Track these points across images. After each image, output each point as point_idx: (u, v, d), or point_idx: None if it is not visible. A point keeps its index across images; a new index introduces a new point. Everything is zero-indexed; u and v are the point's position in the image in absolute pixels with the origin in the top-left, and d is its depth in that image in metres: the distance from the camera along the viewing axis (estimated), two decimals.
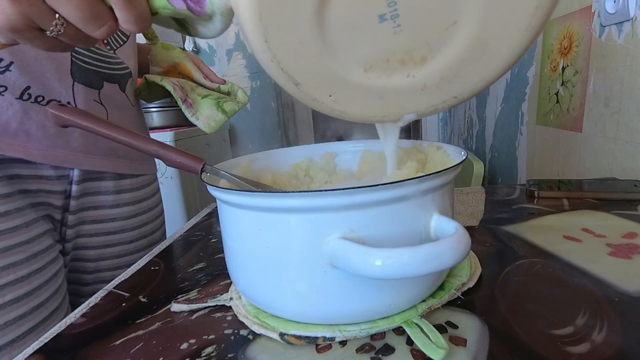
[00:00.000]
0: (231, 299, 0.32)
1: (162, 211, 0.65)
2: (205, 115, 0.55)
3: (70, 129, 0.46)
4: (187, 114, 0.54)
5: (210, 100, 0.56)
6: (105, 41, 0.52)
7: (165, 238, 0.65)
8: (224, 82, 0.62)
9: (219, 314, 0.31)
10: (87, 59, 0.48)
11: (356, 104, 0.25)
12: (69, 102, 0.46)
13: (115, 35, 0.53)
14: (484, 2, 0.20)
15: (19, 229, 0.43)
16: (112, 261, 0.55)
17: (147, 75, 0.56)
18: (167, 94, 0.56)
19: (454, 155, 0.33)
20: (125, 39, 0.55)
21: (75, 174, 0.49)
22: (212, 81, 0.61)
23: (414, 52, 0.22)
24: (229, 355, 0.26)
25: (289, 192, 0.24)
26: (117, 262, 0.56)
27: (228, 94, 0.61)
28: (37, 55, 0.43)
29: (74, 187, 0.50)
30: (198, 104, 0.55)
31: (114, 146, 0.52)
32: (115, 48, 0.53)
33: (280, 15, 0.20)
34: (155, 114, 1.47)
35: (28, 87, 0.43)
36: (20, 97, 0.42)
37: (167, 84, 0.54)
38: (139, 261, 0.43)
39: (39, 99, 0.44)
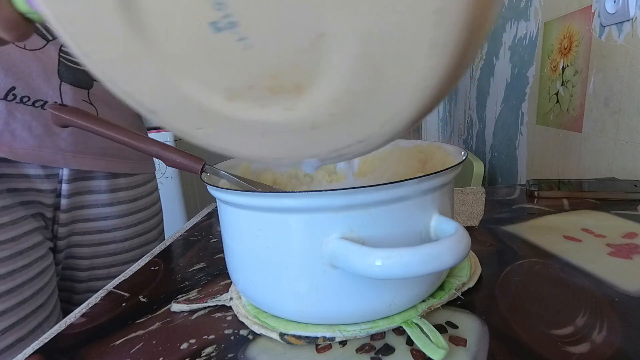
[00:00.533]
0: (231, 299, 0.32)
1: (160, 210, 0.65)
2: None
3: (59, 129, 0.46)
4: None
5: None
6: None
7: (163, 237, 0.65)
8: None
9: (219, 314, 0.31)
10: (75, 59, 0.48)
11: (235, 141, 0.20)
12: (55, 102, 0.46)
13: None
14: (355, 5, 0.14)
15: (5, 227, 0.43)
16: (106, 259, 0.55)
17: None
18: None
19: (454, 155, 0.33)
20: None
21: (65, 173, 0.49)
22: None
23: (282, 78, 0.17)
24: (229, 355, 0.26)
25: (289, 192, 0.24)
26: (112, 260, 0.56)
27: None
28: (22, 56, 0.43)
29: (64, 186, 0.50)
30: None
31: (106, 146, 0.51)
32: None
33: (81, 19, 0.16)
34: None
35: (13, 88, 0.43)
36: (5, 98, 0.43)
37: None
38: (139, 261, 0.43)
39: (25, 99, 0.44)
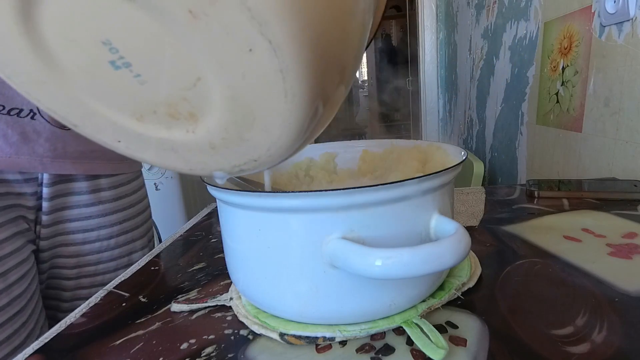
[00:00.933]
0: (231, 299, 0.32)
1: (147, 207, 0.66)
2: None
3: (36, 136, 0.46)
4: None
5: None
6: None
7: (152, 233, 0.66)
8: None
9: (219, 314, 0.31)
10: None
11: (152, 154, 0.23)
12: (31, 110, 0.46)
13: None
14: (217, 60, 0.17)
15: None
16: (93, 256, 0.56)
17: None
18: None
19: (454, 155, 0.33)
20: None
21: (45, 177, 0.50)
22: None
23: (177, 107, 0.20)
24: (229, 355, 0.26)
25: (289, 192, 0.24)
26: (98, 257, 0.56)
27: None
28: None
29: (45, 190, 0.50)
30: None
31: (85, 149, 0.51)
32: None
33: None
34: None
35: None
36: None
37: None
38: (139, 261, 0.43)
39: None
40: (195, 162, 0.23)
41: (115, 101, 0.20)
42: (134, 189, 0.61)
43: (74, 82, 0.19)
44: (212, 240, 0.48)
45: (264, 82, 0.17)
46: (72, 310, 0.33)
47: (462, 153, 0.30)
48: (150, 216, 0.67)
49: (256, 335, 0.27)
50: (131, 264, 0.59)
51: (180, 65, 0.17)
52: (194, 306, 0.32)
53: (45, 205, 0.50)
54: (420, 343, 0.24)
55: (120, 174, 0.58)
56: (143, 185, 0.65)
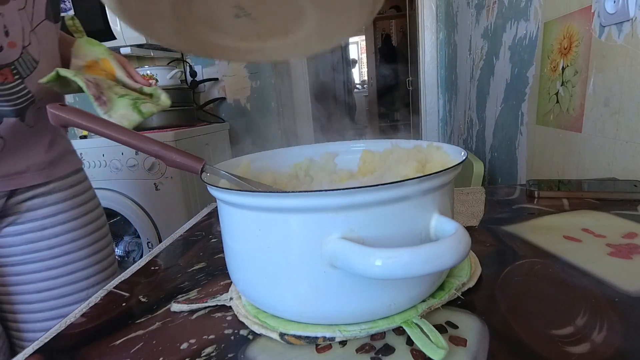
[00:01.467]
0: (231, 299, 0.32)
1: (99, 203, 0.71)
2: (120, 114, 0.54)
3: None
4: (100, 111, 0.53)
5: (127, 100, 0.55)
6: (14, 71, 0.52)
7: (104, 219, 0.71)
8: (149, 84, 0.62)
9: (219, 314, 0.31)
10: None
11: (245, 58, 0.40)
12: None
13: (25, 63, 0.53)
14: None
15: None
16: (52, 250, 0.60)
17: (59, 69, 0.53)
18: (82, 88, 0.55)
19: (454, 155, 0.33)
20: (35, 65, 0.55)
21: None
22: (135, 81, 0.61)
23: (277, 29, 0.31)
24: (229, 355, 0.26)
25: (289, 192, 0.24)
26: (56, 251, 0.60)
27: (150, 96, 0.61)
28: None
29: None
30: (114, 102, 0.54)
31: (14, 165, 0.55)
32: (24, 77, 0.53)
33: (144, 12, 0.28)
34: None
35: None
36: None
37: (80, 79, 0.52)
38: (139, 261, 0.43)
39: None
40: (278, 55, 0.35)
41: (229, 33, 0.31)
42: (83, 190, 0.66)
43: (200, 29, 0.29)
44: (212, 240, 0.48)
45: (352, 4, 0.28)
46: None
47: (462, 153, 0.30)
48: (103, 211, 0.71)
49: (256, 335, 0.27)
50: (91, 255, 0.64)
51: (289, 7, 0.27)
52: (194, 306, 0.32)
53: None
54: (420, 343, 0.24)
55: (61, 179, 0.61)
56: (90, 187, 0.69)
